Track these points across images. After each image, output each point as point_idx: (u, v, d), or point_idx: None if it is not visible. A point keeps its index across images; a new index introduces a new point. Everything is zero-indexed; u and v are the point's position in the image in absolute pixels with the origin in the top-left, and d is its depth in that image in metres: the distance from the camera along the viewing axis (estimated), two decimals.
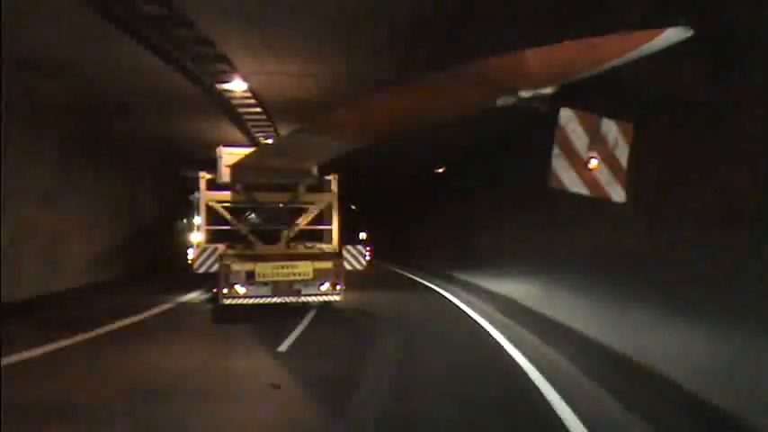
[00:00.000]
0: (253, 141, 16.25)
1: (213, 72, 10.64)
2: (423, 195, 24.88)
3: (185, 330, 10.36)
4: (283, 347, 8.56)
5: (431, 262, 22.31)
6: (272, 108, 13.27)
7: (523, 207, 12.21)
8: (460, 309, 12.93)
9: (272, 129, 15.29)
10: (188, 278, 14.59)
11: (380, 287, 17.03)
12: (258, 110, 13.35)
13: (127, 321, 10.72)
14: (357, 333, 10.19)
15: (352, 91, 10.74)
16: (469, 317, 11.74)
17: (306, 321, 10.86)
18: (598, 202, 5.20)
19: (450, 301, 14.33)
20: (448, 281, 17.99)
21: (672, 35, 4.26)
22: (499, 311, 12.06)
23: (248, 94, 12.11)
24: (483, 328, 10.41)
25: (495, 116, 6.78)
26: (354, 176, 16.70)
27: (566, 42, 4.41)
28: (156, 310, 12.18)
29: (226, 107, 12.94)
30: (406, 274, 22.58)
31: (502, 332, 9.78)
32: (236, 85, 11.36)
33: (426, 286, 17.74)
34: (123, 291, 14.98)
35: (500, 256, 13.91)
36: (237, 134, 15.70)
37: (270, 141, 15.84)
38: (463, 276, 17.00)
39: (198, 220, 13.24)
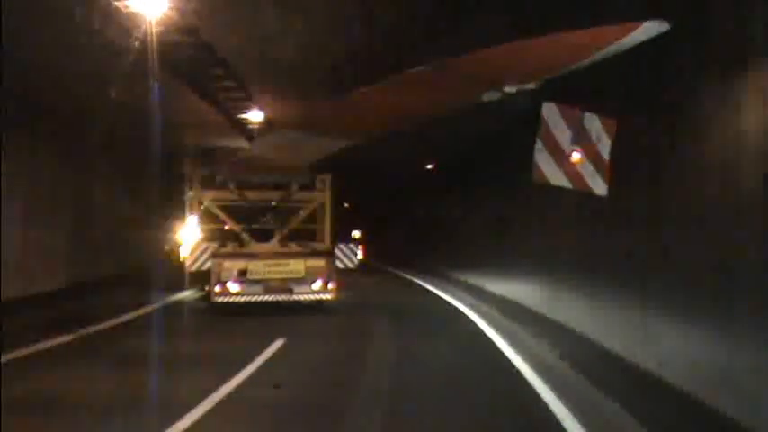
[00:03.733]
0: (232, 121, 13.87)
1: None
2: (424, 193, 24.41)
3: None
4: None
5: (430, 262, 21.97)
6: (230, 58, 9.76)
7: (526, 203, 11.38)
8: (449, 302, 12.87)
9: (243, 95, 11.98)
10: (145, 289, 13.14)
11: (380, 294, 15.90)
12: (193, 50, 9.29)
13: None
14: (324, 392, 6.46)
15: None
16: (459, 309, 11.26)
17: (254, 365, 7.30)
18: None
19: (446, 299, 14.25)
20: (450, 282, 17.55)
21: (651, 28, 4.35)
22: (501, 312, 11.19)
23: (177, 28, 8.27)
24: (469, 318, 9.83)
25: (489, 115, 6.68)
26: (350, 175, 16.41)
27: (550, 35, 4.49)
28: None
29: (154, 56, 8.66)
30: (407, 276, 21.30)
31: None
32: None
33: (434, 294, 15.99)
34: (26, 312, 10.60)
35: (498, 256, 13.59)
36: (212, 112, 12.68)
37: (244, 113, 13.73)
38: (462, 276, 17.06)
39: (190, 218, 13.26)
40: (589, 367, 6.80)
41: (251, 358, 7.59)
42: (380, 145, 10.89)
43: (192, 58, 9.66)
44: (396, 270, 23.56)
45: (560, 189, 5.23)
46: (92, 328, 9.86)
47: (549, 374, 6.81)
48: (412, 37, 8.33)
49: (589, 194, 5.57)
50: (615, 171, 5.32)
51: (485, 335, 9.66)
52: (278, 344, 8.62)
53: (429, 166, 21.98)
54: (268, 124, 14.01)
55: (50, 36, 8.86)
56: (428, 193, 23.43)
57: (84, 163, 14.96)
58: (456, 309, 12.86)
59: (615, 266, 6.89)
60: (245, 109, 12.99)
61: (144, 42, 8.21)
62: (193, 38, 8.72)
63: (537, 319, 9.98)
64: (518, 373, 7.04)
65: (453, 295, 14.94)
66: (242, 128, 14.59)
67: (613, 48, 4.64)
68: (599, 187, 5.12)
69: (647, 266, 6.03)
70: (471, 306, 12.83)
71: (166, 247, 17.01)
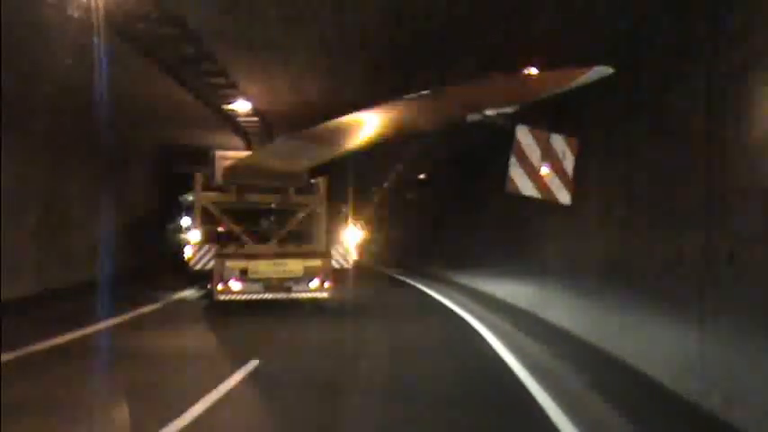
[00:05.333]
0: (218, 112, 13.46)
1: None
2: (425, 193, 24.07)
3: None
4: None
5: (432, 264, 21.51)
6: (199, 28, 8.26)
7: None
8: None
9: (225, 81, 11.00)
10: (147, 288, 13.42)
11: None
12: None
13: None
14: None
15: None
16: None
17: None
18: None
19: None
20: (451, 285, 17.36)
21: (599, 71, 5.30)
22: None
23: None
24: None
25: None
26: (350, 176, 16.60)
27: (522, 72, 5.43)
28: None
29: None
30: (405, 279, 20.54)
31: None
32: None
33: (434, 298, 15.24)
34: None
35: (508, 261, 13.41)
36: (199, 106, 12.42)
37: (230, 103, 13.09)
38: (466, 281, 16.99)
39: (188, 220, 13.72)
40: (628, 402, 5.70)
41: (212, 388, 6.15)
42: (380, 148, 10.73)
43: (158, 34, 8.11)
44: (395, 273, 22.83)
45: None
46: (62, 338, 8.87)
47: (578, 413, 5.47)
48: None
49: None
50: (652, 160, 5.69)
51: (499, 357, 8.04)
52: (250, 366, 7.21)
53: (424, 173, 21.64)
54: (258, 116, 13.78)
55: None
56: (429, 194, 23.05)
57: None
58: (465, 322, 11.34)
59: (660, 274, 5.82)
60: (230, 98, 12.19)
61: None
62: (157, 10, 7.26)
63: (560, 337, 8.81)
64: (541, 410, 5.58)
65: (459, 303, 13.86)
66: (231, 120, 14.07)
67: (574, 83, 5.60)
68: (563, 197, 6.07)
69: (706, 275, 4.92)
70: (481, 319, 11.38)
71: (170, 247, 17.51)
